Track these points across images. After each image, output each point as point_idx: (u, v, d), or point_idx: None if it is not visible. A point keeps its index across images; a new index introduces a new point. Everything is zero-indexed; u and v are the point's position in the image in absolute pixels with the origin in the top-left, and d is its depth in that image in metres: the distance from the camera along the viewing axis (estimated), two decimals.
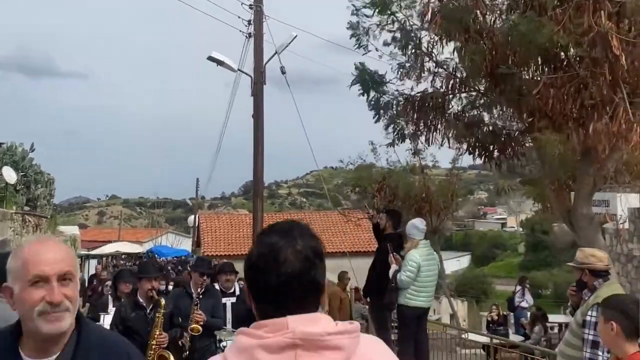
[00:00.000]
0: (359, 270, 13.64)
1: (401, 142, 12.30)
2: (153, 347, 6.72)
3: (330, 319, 1.91)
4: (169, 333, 6.98)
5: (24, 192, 33.17)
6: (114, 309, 8.10)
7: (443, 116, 11.31)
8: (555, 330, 18.20)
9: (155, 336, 6.78)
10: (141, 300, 7.18)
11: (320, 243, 1.97)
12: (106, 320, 7.86)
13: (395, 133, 12.27)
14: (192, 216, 48.00)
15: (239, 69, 18.60)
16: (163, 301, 7.03)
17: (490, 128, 11.18)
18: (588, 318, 5.34)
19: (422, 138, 12.07)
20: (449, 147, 12.12)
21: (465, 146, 11.66)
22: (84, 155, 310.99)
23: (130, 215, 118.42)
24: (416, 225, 9.67)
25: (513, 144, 11.06)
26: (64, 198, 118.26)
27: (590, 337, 5.25)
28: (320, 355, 1.78)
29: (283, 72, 18.49)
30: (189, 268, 17.63)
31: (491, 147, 11.14)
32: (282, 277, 1.84)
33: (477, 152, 11.35)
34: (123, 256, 35.86)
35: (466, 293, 53.79)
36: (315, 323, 1.83)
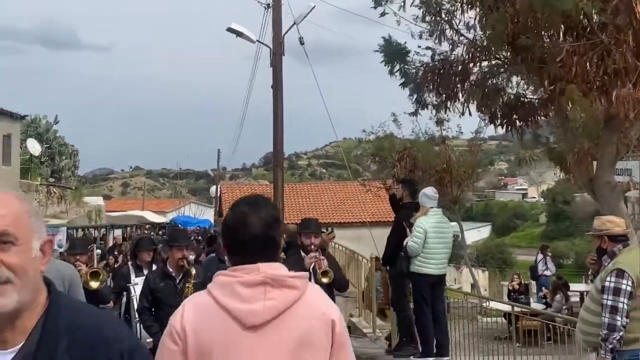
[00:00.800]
0: (378, 240, 13.71)
1: (424, 110, 12.26)
2: None
3: (285, 267, 2.57)
4: None
5: (48, 163, 33.59)
6: (137, 279, 8.05)
7: (464, 84, 11.26)
8: (577, 298, 18.21)
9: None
10: (170, 269, 6.96)
11: (277, 211, 2.70)
12: (137, 291, 7.77)
13: (417, 102, 12.25)
14: (214, 187, 48.35)
15: (258, 40, 18.62)
16: (194, 271, 6.87)
17: (512, 96, 11.15)
18: (607, 284, 5.36)
19: (443, 107, 12.03)
20: (470, 115, 12.10)
21: (486, 115, 11.62)
22: (107, 127, 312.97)
23: (154, 186, 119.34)
24: (427, 193, 9.74)
25: (535, 112, 11.02)
26: (88, 170, 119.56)
27: (609, 303, 5.28)
28: (281, 291, 2.44)
29: (302, 43, 18.51)
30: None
31: (513, 116, 11.11)
32: (248, 236, 2.52)
33: (498, 121, 11.32)
34: (147, 226, 36.24)
35: (487, 263, 53.89)
36: (277, 269, 2.51)
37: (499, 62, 10.79)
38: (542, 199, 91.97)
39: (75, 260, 7.32)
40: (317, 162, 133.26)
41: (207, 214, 51.63)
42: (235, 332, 2.40)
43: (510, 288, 18.97)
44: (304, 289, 2.50)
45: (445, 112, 12.36)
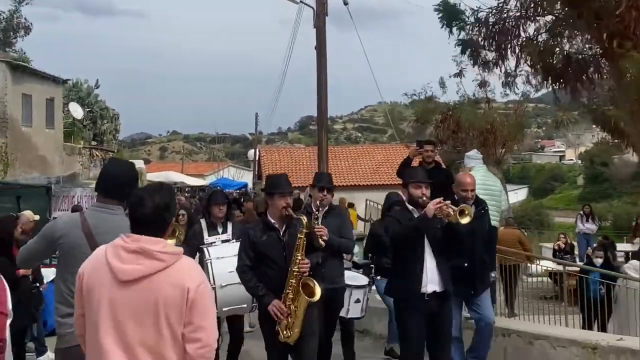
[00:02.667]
0: None
1: (477, 66, 12.17)
2: (294, 274, 5.72)
3: (167, 243, 3.22)
4: (310, 258, 5.82)
5: (90, 127, 34.04)
6: (211, 238, 7.35)
7: (518, 40, 11.16)
8: (622, 259, 18.10)
9: (298, 261, 5.72)
10: (272, 220, 5.97)
11: (170, 197, 3.34)
12: (211, 253, 7.07)
13: (470, 57, 12.16)
14: (252, 150, 48.47)
15: (301, 1, 18.56)
16: (305, 219, 5.86)
17: (566, 52, 11.01)
18: None
19: (496, 65, 11.95)
20: (520, 72, 12.01)
21: (538, 73, 11.51)
22: (144, 92, 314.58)
23: (191, 151, 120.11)
24: (469, 155, 9.59)
25: (589, 69, 10.88)
26: (126, 134, 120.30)
27: None
28: (150, 261, 3.12)
29: (345, 3, 18.42)
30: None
31: (568, 72, 10.98)
32: (141, 215, 3.21)
33: (550, 79, 11.22)
34: (187, 189, 36.63)
35: (524, 224, 53.57)
36: (155, 244, 3.15)
37: (554, 17, 10.67)
38: (579, 161, 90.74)
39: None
40: (353, 126, 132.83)
41: (246, 177, 51.88)
42: (112, 283, 3.12)
43: (557, 247, 18.84)
44: (171, 262, 3.16)
45: (498, 68, 12.23)
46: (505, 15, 11.16)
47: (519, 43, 11.21)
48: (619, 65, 9.90)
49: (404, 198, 6.47)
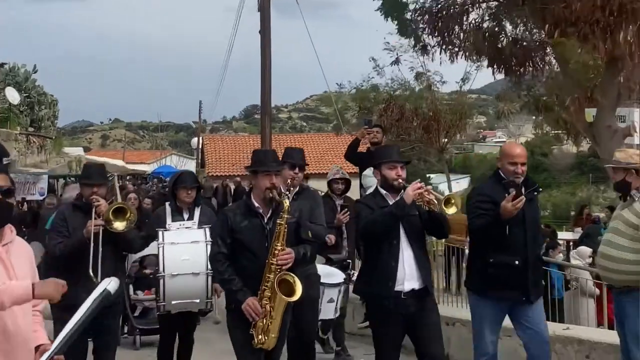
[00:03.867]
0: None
1: (418, 52, 12.08)
2: (272, 267, 4.85)
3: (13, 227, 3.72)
4: (295, 249, 4.98)
5: (27, 113, 32.91)
6: (174, 224, 6.39)
7: (462, 27, 11.08)
8: (563, 247, 18.33)
9: (276, 252, 4.86)
10: (256, 204, 5.06)
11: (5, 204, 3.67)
12: (165, 238, 6.18)
13: (415, 46, 12.06)
14: (195, 139, 47.99)
15: None
16: (287, 203, 4.93)
17: (511, 39, 10.98)
18: None
19: (438, 51, 11.87)
20: (466, 59, 11.94)
21: (481, 59, 11.47)
22: (86, 79, 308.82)
23: (134, 139, 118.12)
24: (366, 174, 9.39)
25: (533, 55, 10.87)
26: (67, 122, 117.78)
27: None
28: (10, 233, 3.65)
29: None
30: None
31: (511, 59, 10.95)
32: None
33: (495, 65, 11.18)
34: (128, 177, 35.88)
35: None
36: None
37: (500, 3, 10.62)
38: None
39: (92, 194, 5.80)
40: (298, 116, 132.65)
41: (189, 166, 51.22)
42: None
43: None
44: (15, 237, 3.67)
45: (441, 55, 12.16)
46: (450, 1, 11.06)
47: (463, 29, 11.13)
48: (562, 50, 9.91)
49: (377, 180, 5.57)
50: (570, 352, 6.51)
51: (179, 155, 63.79)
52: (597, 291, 10.20)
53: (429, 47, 11.69)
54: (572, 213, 23.37)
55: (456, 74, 25.44)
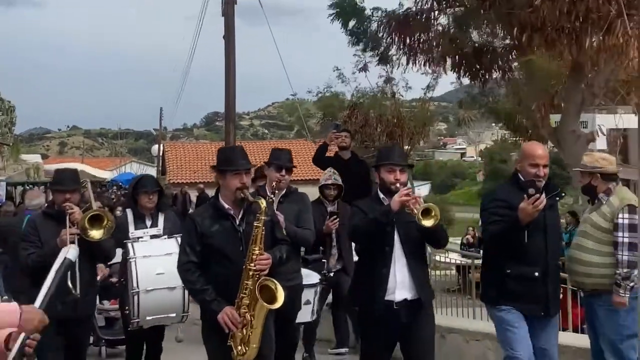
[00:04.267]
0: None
1: (382, 64, 12.07)
2: (250, 272, 4.55)
3: None
4: (271, 253, 4.70)
5: None
6: (138, 232, 6.06)
7: (428, 34, 11.10)
8: None
9: (254, 257, 4.56)
10: (226, 205, 4.74)
11: None
12: (136, 250, 5.83)
13: (376, 54, 12.06)
14: (156, 146, 47.55)
15: None
16: (264, 204, 4.61)
17: (477, 45, 11.02)
18: (620, 221, 5.26)
19: (404, 59, 11.89)
20: (430, 66, 11.98)
21: (443, 64, 11.48)
22: (43, 86, 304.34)
23: (92, 146, 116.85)
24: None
25: (499, 61, 10.93)
26: (24, 129, 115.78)
27: (627, 240, 5.17)
28: None
29: None
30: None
31: (477, 65, 11.00)
32: None
33: (461, 71, 11.21)
34: (83, 182, 35.21)
35: None
36: None
37: (466, 8, 10.65)
38: (479, 158, 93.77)
39: (64, 200, 5.48)
40: (260, 123, 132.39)
41: (149, 173, 50.76)
42: None
43: (465, 241, 19.10)
44: None
45: (408, 64, 12.15)
46: (415, 8, 11.08)
47: (429, 38, 11.16)
48: (529, 60, 9.99)
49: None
50: None
51: (139, 163, 63.12)
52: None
53: (390, 56, 11.69)
54: None
55: (418, 81, 25.63)
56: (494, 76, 11.37)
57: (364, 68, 21.26)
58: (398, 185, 4.98)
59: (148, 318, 5.74)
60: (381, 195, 5.14)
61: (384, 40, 11.75)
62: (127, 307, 5.84)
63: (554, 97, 10.83)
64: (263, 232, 4.59)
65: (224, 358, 4.61)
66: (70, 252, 3.56)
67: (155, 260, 5.78)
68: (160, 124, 50.50)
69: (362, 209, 5.12)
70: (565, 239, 17.39)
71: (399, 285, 4.92)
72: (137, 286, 5.65)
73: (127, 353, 6.49)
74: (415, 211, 4.76)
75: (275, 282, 4.58)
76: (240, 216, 4.73)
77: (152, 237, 6.08)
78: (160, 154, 43.87)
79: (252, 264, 4.55)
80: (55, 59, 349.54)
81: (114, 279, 8.55)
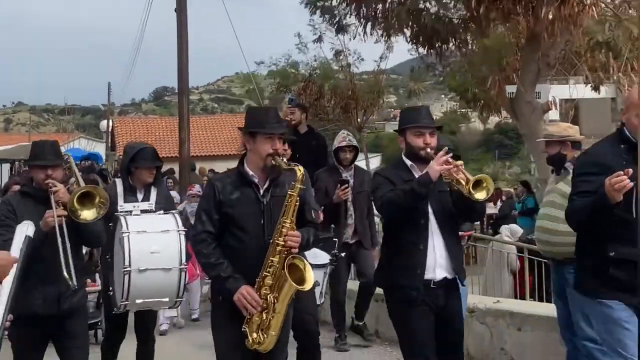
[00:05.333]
0: None
1: (339, 34, 12.04)
2: (278, 248, 3.97)
3: None
4: (301, 232, 4.12)
5: None
6: (127, 205, 5.46)
7: (385, 3, 11.07)
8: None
9: (284, 230, 3.98)
10: (251, 172, 4.16)
11: None
12: (129, 224, 5.11)
13: (333, 24, 12.01)
14: (104, 121, 46.72)
15: None
16: (301, 171, 4.05)
17: (433, 16, 11.03)
18: None
19: (360, 29, 11.87)
20: (386, 36, 12.00)
21: (399, 34, 11.48)
22: None
23: (38, 122, 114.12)
24: None
25: (456, 32, 10.97)
26: None
27: None
28: None
29: None
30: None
31: (433, 36, 11.03)
32: None
33: (419, 42, 11.24)
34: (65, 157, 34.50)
35: None
36: None
37: None
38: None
39: (46, 177, 4.74)
40: (209, 97, 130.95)
41: (98, 149, 49.87)
42: None
43: None
44: None
45: (365, 35, 12.15)
46: None
47: (386, 7, 11.13)
48: (485, 29, 10.05)
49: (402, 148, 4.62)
50: (502, 326, 6.50)
51: (87, 139, 61.96)
52: (518, 265, 10.52)
53: (347, 26, 11.67)
54: None
55: (370, 53, 25.57)
56: (450, 47, 11.40)
57: (319, 39, 21.32)
58: (428, 150, 4.38)
59: (138, 301, 5.11)
60: (408, 162, 4.50)
61: (341, 9, 11.65)
62: (111, 288, 5.26)
63: (507, 68, 10.91)
64: (297, 203, 4.00)
65: (235, 347, 4.05)
66: (29, 228, 3.17)
67: (150, 237, 5.14)
68: (109, 99, 49.62)
69: (389, 179, 4.49)
70: (517, 208, 17.82)
71: (438, 263, 4.37)
72: (129, 264, 4.99)
73: (106, 340, 5.93)
74: (462, 182, 4.21)
75: (305, 260, 4.03)
76: (265, 186, 4.14)
77: (143, 212, 5.47)
78: (110, 129, 43.13)
79: (281, 239, 3.96)
80: (1, 35, 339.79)
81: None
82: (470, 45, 11.82)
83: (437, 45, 11.05)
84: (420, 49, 11.38)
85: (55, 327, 4.80)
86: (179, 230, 5.16)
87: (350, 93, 22.28)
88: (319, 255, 5.93)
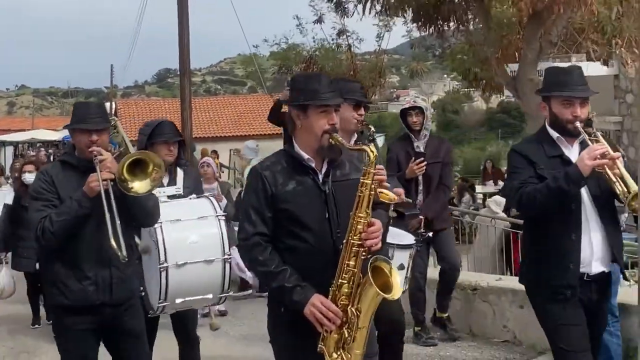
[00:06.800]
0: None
1: (341, 15, 11.97)
2: (354, 249, 3.17)
3: None
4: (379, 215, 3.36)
5: None
6: (158, 190, 4.46)
7: None
8: (480, 200, 18.82)
9: (359, 227, 3.18)
10: (306, 155, 3.37)
11: None
12: (189, 210, 4.56)
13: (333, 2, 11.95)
14: (107, 104, 46.71)
15: None
16: (374, 151, 3.24)
17: None
18: None
19: (360, 7, 11.88)
20: (386, 16, 11.97)
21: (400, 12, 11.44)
22: None
23: (42, 105, 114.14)
24: (248, 145, 9.19)
25: (457, 11, 10.92)
26: None
27: None
28: None
29: None
30: None
31: (435, 15, 10.99)
32: None
33: (421, 21, 11.19)
34: (38, 144, 34.74)
35: None
36: None
37: None
38: (432, 109, 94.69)
39: (90, 144, 4.03)
40: (212, 79, 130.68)
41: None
42: None
43: None
44: None
45: (364, 13, 12.16)
46: None
47: None
48: (487, 7, 9.99)
49: (546, 117, 3.90)
50: (505, 303, 6.53)
51: None
52: None
53: (347, 5, 11.63)
54: (482, 167, 24.14)
55: (370, 33, 25.52)
56: (451, 27, 11.37)
57: (319, 20, 21.28)
58: (577, 124, 3.69)
59: (178, 301, 4.46)
60: (554, 135, 3.81)
61: None
62: (142, 288, 4.56)
63: (508, 47, 10.85)
64: (372, 192, 3.21)
65: None
66: (7, 197, 3.00)
67: (186, 225, 4.51)
68: (112, 81, 49.66)
69: (528, 158, 3.79)
70: None
71: (595, 255, 3.72)
72: (166, 259, 4.35)
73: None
74: (617, 182, 3.60)
75: (389, 262, 3.27)
76: (324, 170, 3.38)
77: (170, 197, 4.80)
78: (113, 111, 43.15)
79: (357, 237, 3.18)
80: (5, 20, 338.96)
81: None
82: (472, 25, 11.78)
83: (438, 24, 11.00)
84: (417, 32, 11.35)
85: (110, 319, 4.12)
86: (217, 216, 4.57)
87: (351, 73, 22.23)
88: (401, 235, 5.02)
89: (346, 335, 3.18)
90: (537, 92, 4.04)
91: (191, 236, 4.46)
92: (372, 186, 3.20)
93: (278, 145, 8.67)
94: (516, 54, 10.82)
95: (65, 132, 48.28)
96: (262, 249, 3.29)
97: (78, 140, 4.11)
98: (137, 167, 3.94)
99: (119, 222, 3.85)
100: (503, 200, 11.03)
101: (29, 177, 7.82)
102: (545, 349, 6.23)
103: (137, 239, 4.58)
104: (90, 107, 4.20)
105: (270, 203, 3.31)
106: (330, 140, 3.29)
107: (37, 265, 7.74)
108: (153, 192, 4.13)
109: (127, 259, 3.85)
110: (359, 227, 3.17)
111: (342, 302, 3.18)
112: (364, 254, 3.18)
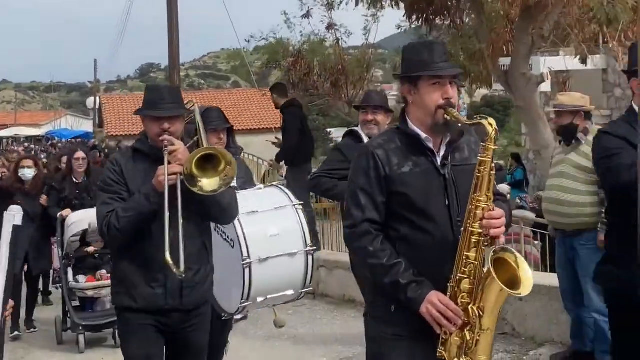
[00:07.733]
0: (268, 145, 12.87)
1: (328, 8, 11.93)
2: (473, 238, 2.82)
3: None
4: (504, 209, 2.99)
5: None
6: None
7: None
8: None
9: (478, 212, 2.82)
10: (423, 134, 3.01)
11: None
12: (268, 199, 4.35)
13: None
14: (91, 98, 46.58)
15: None
16: (493, 124, 2.86)
17: None
18: None
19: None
20: (380, 7, 12.00)
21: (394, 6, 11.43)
22: None
23: (24, 100, 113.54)
24: None
25: (449, 5, 10.94)
26: None
27: None
28: None
29: None
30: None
31: (428, 9, 10.99)
32: None
33: (414, 15, 11.18)
34: (22, 139, 34.51)
35: None
36: None
37: None
38: None
39: (161, 132, 3.65)
40: (195, 73, 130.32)
41: (85, 126, 49.70)
42: None
43: None
44: None
45: (357, 5, 12.14)
46: None
47: None
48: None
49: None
50: None
51: (74, 116, 61.75)
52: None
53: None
54: None
55: (358, 27, 25.47)
56: (444, 22, 11.41)
57: (307, 15, 21.24)
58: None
59: (259, 299, 4.18)
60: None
61: None
62: None
63: (498, 40, 10.85)
64: (493, 172, 2.83)
65: None
66: (16, 217, 2.63)
67: (264, 217, 4.22)
68: (95, 75, 49.48)
69: (627, 139, 3.32)
70: (508, 179, 17.88)
71: None
72: (249, 254, 4.06)
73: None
74: None
75: (515, 253, 2.89)
76: (442, 152, 2.99)
77: (249, 190, 4.50)
78: (97, 106, 43.00)
79: (476, 224, 2.80)
80: None
81: (91, 249, 7.44)
82: (464, 18, 11.81)
83: (430, 18, 11.02)
84: (408, 24, 11.32)
85: (178, 323, 3.76)
86: (294, 205, 4.30)
87: (340, 67, 22.19)
88: None
89: (468, 338, 2.83)
90: (625, 72, 3.77)
91: (271, 228, 4.17)
92: (492, 165, 2.82)
93: (262, 139, 8.85)
94: (504, 47, 10.86)
95: (49, 128, 48.02)
96: (372, 238, 2.90)
97: (149, 128, 3.72)
98: (208, 163, 3.52)
99: (182, 228, 3.47)
100: (504, 188, 11.05)
101: (28, 173, 7.74)
102: (544, 340, 6.29)
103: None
104: (162, 92, 3.76)
105: (383, 186, 2.91)
106: (446, 115, 2.90)
107: (25, 267, 7.73)
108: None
109: (183, 275, 3.45)
110: (477, 212, 2.81)
111: (462, 300, 2.82)
112: (485, 244, 2.82)
